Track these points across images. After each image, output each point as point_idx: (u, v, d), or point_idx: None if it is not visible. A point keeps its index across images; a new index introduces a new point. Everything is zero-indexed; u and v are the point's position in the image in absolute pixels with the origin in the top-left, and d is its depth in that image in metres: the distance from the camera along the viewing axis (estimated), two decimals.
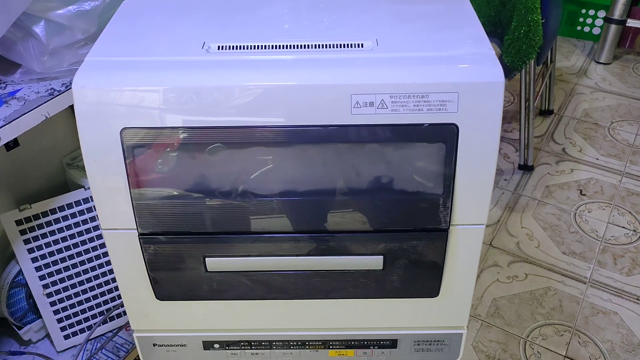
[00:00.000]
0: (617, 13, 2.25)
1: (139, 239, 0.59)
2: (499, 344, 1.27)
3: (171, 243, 0.59)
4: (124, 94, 0.53)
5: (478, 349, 1.26)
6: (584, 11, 2.48)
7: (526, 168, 1.79)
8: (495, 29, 1.53)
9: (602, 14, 2.44)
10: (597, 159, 1.82)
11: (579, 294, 1.38)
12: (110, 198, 0.57)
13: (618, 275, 1.43)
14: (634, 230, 1.56)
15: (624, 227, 1.57)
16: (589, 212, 1.62)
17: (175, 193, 0.57)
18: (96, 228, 1.05)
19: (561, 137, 1.93)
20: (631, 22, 2.28)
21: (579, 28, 2.53)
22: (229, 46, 0.57)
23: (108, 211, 0.58)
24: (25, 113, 0.73)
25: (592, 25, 2.50)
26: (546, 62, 1.93)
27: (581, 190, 1.70)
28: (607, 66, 2.33)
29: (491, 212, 1.63)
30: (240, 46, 0.57)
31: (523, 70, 1.63)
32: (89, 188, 1.04)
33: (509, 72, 1.51)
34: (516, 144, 1.89)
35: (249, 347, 0.70)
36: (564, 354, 1.25)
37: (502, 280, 1.42)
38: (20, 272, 1.03)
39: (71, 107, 1.12)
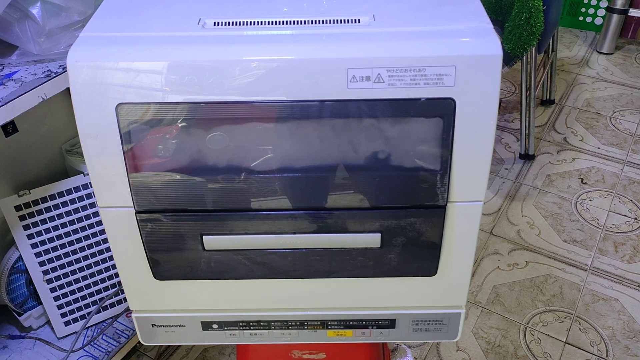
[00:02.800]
0: (620, 2, 2.24)
1: (136, 216, 0.59)
2: (499, 330, 1.27)
3: (168, 221, 0.59)
4: (119, 68, 0.52)
5: (478, 335, 1.26)
6: (586, 1, 2.47)
7: (527, 157, 1.78)
8: (496, 16, 1.53)
9: (604, 4, 2.43)
10: (599, 148, 1.82)
11: (580, 281, 1.38)
12: (107, 175, 0.57)
13: (619, 263, 1.43)
14: (635, 219, 1.56)
15: (625, 215, 1.57)
16: (590, 200, 1.62)
17: (171, 170, 0.56)
18: (96, 214, 1.05)
19: (562, 126, 1.92)
20: (633, 12, 2.27)
21: (580, 18, 2.52)
22: (225, 22, 0.57)
23: (104, 189, 0.58)
24: (22, 94, 0.73)
25: (594, 16, 2.49)
26: (547, 52, 1.92)
27: (582, 179, 1.69)
28: (609, 56, 2.32)
29: (492, 201, 1.63)
30: (236, 22, 0.57)
31: (524, 58, 1.63)
32: (88, 174, 1.04)
33: (509, 60, 1.50)
34: (517, 134, 1.89)
35: (247, 328, 0.70)
36: (564, 340, 1.24)
37: (502, 268, 1.42)
38: (20, 258, 1.04)
39: (70, 92, 1.12)
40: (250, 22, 0.56)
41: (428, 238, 0.61)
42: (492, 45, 0.52)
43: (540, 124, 1.93)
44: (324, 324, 0.70)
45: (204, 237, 0.60)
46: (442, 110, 0.53)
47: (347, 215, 0.59)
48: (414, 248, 0.61)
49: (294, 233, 0.60)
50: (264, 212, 0.59)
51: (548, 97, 2.03)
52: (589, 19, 2.51)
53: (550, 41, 1.88)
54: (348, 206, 0.59)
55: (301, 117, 0.54)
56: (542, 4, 1.37)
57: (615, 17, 2.27)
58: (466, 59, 0.51)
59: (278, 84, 0.52)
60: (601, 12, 2.46)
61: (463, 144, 0.55)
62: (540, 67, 1.88)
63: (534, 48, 1.57)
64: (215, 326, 0.70)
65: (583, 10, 2.50)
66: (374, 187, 0.57)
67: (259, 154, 0.56)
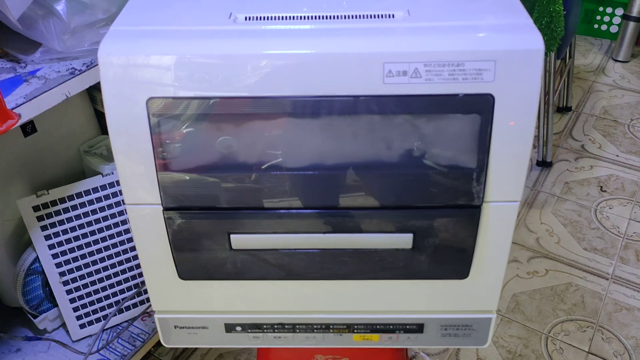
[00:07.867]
0: (636, 10, 2.22)
1: (163, 214, 0.58)
2: (520, 340, 1.24)
3: (196, 218, 0.58)
4: (150, 62, 0.51)
5: (499, 344, 1.23)
6: (601, 9, 2.45)
7: (545, 164, 1.76)
8: None
9: (619, 11, 2.41)
10: (617, 155, 1.79)
11: (602, 290, 1.35)
12: (135, 171, 0.56)
13: None
14: None
15: None
16: (609, 208, 1.59)
17: (201, 167, 0.55)
18: (113, 215, 1.04)
19: (580, 133, 1.90)
20: None
21: (596, 26, 2.50)
22: (257, 17, 0.56)
23: (132, 185, 0.57)
24: (46, 91, 0.72)
25: (610, 24, 2.47)
26: (564, 59, 1.90)
27: (601, 187, 1.67)
28: (626, 64, 2.30)
29: None
30: (268, 17, 0.56)
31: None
32: (106, 175, 1.03)
33: None
34: (534, 141, 1.87)
35: (271, 330, 0.68)
36: (587, 350, 1.22)
37: (522, 276, 1.39)
38: (36, 259, 1.03)
39: (90, 95, 1.12)
40: (283, 17, 0.55)
41: (461, 239, 0.59)
42: (533, 39, 0.50)
43: (557, 131, 1.91)
44: (350, 328, 0.68)
45: (231, 235, 0.59)
46: (481, 106, 0.52)
47: (380, 215, 0.58)
48: (446, 249, 0.60)
49: (324, 232, 0.59)
50: (294, 211, 0.58)
51: (565, 105, 2.02)
52: (604, 27, 2.49)
53: (568, 48, 1.86)
54: (381, 205, 0.57)
55: (335, 113, 0.52)
56: (562, 8, 1.36)
57: (631, 25, 2.25)
58: (507, 54, 0.50)
59: (313, 79, 0.51)
60: (617, 20, 2.45)
61: (501, 142, 0.53)
62: (557, 74, 1.86)
63: (553, 53, 1.56)
64: (238, 328, 0.68)
65: (598, 18, 2.48)
66: (408, 186, 0.56)
67: (292, 150, 0.54)
